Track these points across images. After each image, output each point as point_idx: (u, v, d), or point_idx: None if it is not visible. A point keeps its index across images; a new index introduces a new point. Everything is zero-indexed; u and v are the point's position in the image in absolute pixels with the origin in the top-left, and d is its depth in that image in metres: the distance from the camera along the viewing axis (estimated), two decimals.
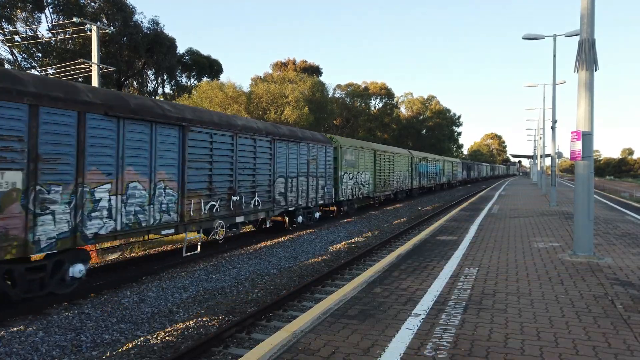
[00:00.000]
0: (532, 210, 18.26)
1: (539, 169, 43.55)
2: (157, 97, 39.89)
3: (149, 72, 39.76)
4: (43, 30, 49.84)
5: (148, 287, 8.81)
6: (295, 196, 15.45)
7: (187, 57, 42.54)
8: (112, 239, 8.92)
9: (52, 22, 30.94)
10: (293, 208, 15.38)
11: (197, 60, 42.94)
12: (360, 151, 21.82)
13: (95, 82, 19.70)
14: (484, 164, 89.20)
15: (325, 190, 17.88)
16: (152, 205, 9.41)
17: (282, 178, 14.59)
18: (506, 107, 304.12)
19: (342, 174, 19.58)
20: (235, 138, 12.10)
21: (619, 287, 6.45)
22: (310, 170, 16.56)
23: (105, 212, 8.40)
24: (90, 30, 23.32)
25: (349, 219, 19.87)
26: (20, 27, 29.62)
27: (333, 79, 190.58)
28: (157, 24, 36.58)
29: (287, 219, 15.61)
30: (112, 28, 30.59)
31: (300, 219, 16.10)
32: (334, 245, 13.90)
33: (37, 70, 29.85)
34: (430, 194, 39.11)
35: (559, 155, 25.51)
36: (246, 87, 40.84)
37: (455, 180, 51.96)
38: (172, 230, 10.04)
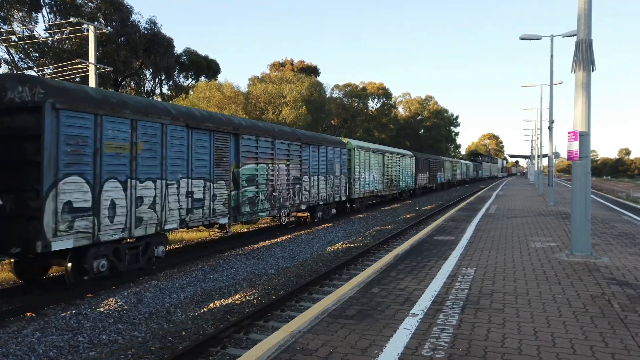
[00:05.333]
0: (529, 210, 18.30)
1: (536, 169, 43.61)
2: (155, 98, 39.82)
3: (147, 72, 39.71)
4: (40, 30, 49.63)
5: (146, 287, 8.79)
6: (396, 183, 28.59)
7: (184, 57, 42.53)
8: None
9: (49, 22, 30.88)
10: (401, 191, 30.14)
11: (195, 60, 42.92)
12: (409, 158, 32.27)
13: (92, 82, 19.63)
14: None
15: (401, 183, 30.20)
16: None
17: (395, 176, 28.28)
18: (504, 107, 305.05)
19: (408, 174, 32.14)
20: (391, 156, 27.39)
21: (616, 286, 6.46)
22: (405, 172, 30.83)
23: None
24: (88, 30, 23.26)
25: (349, 219, 19.92)
26: (17, 27, 29.53)
27: (331, 79, 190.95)
28: (155, 24, 36.59)
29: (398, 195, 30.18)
30: (109, 28, 30.54)
31: (404, 195, 31.24)
32: (332, 246, 13.90)
33: (34, 71, 29.77)
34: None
35: (556, 155, 25.52)
36: (244, 87, 40.80)
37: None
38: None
